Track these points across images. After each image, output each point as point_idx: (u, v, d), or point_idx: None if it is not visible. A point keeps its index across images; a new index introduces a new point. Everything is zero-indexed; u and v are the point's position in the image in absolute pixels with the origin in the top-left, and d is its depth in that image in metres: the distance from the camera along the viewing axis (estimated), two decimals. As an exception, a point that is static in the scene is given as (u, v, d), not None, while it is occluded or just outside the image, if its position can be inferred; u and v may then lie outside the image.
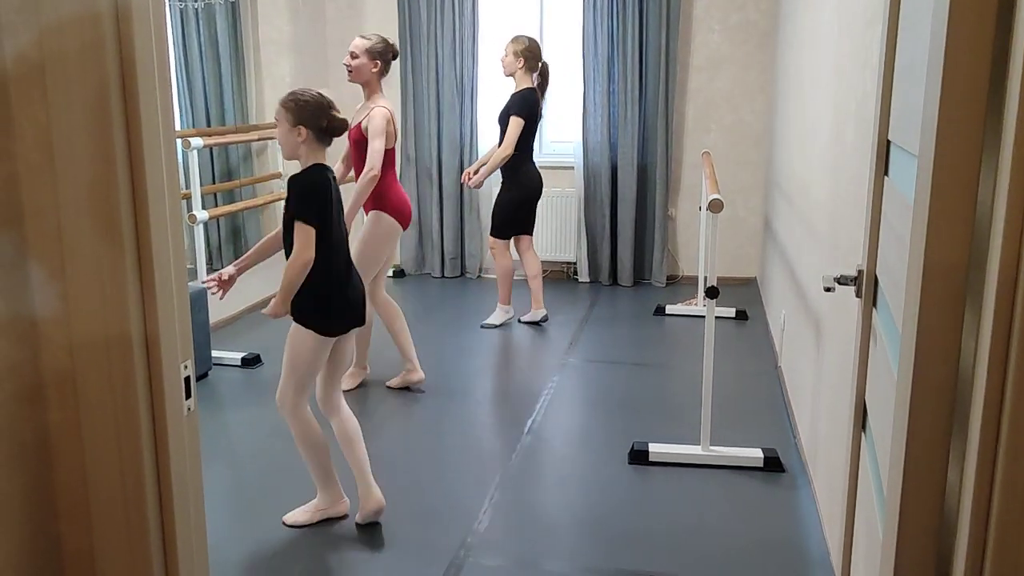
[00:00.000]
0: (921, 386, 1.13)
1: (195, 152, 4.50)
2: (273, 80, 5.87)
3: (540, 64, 5.14)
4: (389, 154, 3.99)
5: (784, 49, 5.40)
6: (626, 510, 3.12)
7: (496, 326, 5.38)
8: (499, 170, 5.18)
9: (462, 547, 2.88)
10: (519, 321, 5.50)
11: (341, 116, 2.83)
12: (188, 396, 1.37)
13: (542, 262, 6.75)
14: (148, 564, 1.33)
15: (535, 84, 5.13)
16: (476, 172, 5.15)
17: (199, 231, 4.60)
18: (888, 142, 1.73)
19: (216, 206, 5.20)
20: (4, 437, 1.26)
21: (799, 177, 4.21)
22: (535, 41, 5.10)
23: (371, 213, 4.05)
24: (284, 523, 3.01)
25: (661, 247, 6.43)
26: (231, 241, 5.63)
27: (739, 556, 2.81)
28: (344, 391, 4.08)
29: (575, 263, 6.70)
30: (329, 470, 3.02)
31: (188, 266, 4.75)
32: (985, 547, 1.06)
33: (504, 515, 3.08)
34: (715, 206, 3.37)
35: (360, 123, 3.97)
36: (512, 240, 5.30)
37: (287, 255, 2.80)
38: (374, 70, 3.96)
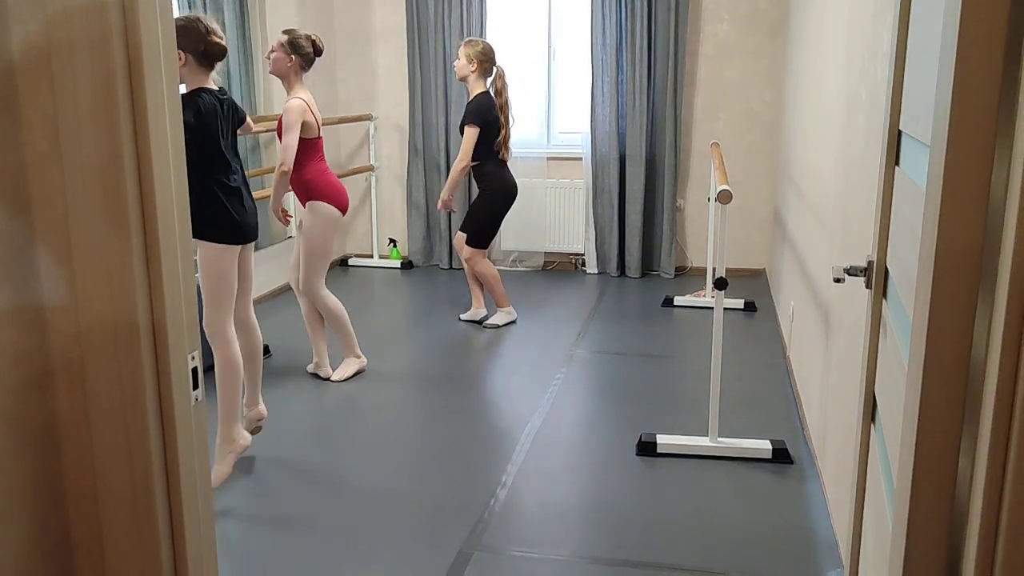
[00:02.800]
0: (932, 375, 1.13)
1: (203, 143, 4.49)
2: (281, 71, 5.86)
3: (494, 68, 5.02)
4: (313, 143, 4.01)
5: (794, 38, 5.37)
6: (634, 501, 3.11)
7: (499, 326, 5.25)
8: (475, 181, 5.13)
9: (471, 536, 2.88)
10: (459, 319, 5.35)
11: (217, 40, 2.95)
12: (196, 387, 1.37)
13: (550, 253, 6.75)
14: (156, 551, 1.34)
15: (488, 88, 5.02)
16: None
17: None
18: (899, 131, 1.71)
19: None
20: (13, 425, 1.26)
21: (809, 168, 4.19)
22: (489, 45, 5.00)
23: (306, 205, 4.07)
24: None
25: (670, 238, 6.41)
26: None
27: (747, 547, 2.81)
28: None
29: (583, 254, 6.69)
30: (238, 403, 3.25)
31: (196, 258, 4.74)
32: (996, 537, 1.06)
33: (512, 505, 3.09)
34: (724, 197, 3.35)
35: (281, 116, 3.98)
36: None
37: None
38: (289, 64, 3.93)
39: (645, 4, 6.07)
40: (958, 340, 1.10)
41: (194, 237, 3.06)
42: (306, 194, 4.06)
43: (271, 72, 4.00)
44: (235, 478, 3.29)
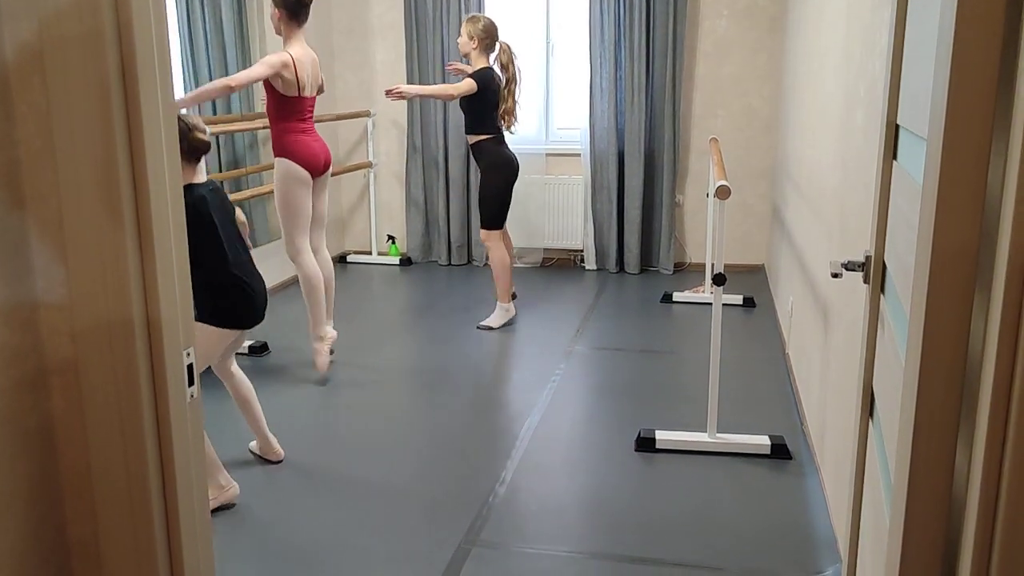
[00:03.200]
0: (929, 371, 1.12)
1: (201, 140, 4.48)
2: (279, 68, 5.85)
3: (497, 44, 4.97)
4: (291, 102, 4.09)
5: (793, 34, 5.36)
6: (633, 497, 3.11)
7: (493, 328, 5.11)
8: (475, 160, 5.07)
9: (469, 532, 2.88)
10: (478, 328, 5.15)
11: (201, 137, 2.98)
12: (191, 383, 1.37)
13: (549, 249, 6.75)
14: (152, 550, 1.34)
15: (491, 64, 4.96)
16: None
17: (205, 219, 4.59)
18: (896, 126, 1.71)
19: (222, 194, 5.19)
20: (7, 424, 1.26)
21: (808, 163, 4.18)
22: (491, 21, 4.93)
23: (277, 160, 4.16)
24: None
25: (668, 234, 6.41)
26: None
27: (745, 543, 2.81)
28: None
29: (582, 250, 6.68)
30: (213, 459, 3.09)
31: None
32: (994, 533, 1.06)
33: (511, 501, 3.08)
34: (723, 192, 3.35)
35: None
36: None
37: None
38: (278, 19, 4.07)
39: (643, 0, 6.06)
40: (955, 335, 1.10)
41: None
42: (276, 150, 4.15)
43: (277, 33, 4.13)
44: (232, 474, 3.29)
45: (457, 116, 6.46)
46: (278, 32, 4.10)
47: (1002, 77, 1.03)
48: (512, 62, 5.01)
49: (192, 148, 2.97)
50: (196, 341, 3.03)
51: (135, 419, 1.29)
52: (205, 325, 3.06)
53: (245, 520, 2.98)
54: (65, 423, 1.31)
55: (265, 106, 4.26)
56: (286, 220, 4.18)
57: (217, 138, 5.25)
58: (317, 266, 4.30)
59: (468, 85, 4.81)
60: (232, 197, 4.94)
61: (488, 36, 4.91)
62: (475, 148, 5.00)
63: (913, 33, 1.55)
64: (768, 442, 3.44)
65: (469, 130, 4.97)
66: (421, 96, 4.97)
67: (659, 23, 6.11)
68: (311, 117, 4.23)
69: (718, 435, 3.48)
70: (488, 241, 5.06)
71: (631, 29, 6.13)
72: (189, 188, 2.98)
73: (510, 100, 5.01)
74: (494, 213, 5.02)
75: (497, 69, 4.99)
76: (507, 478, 3.27)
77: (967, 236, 1.07)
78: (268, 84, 4.06)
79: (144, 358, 1.28)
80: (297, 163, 4.12)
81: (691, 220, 6.58)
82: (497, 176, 4.97)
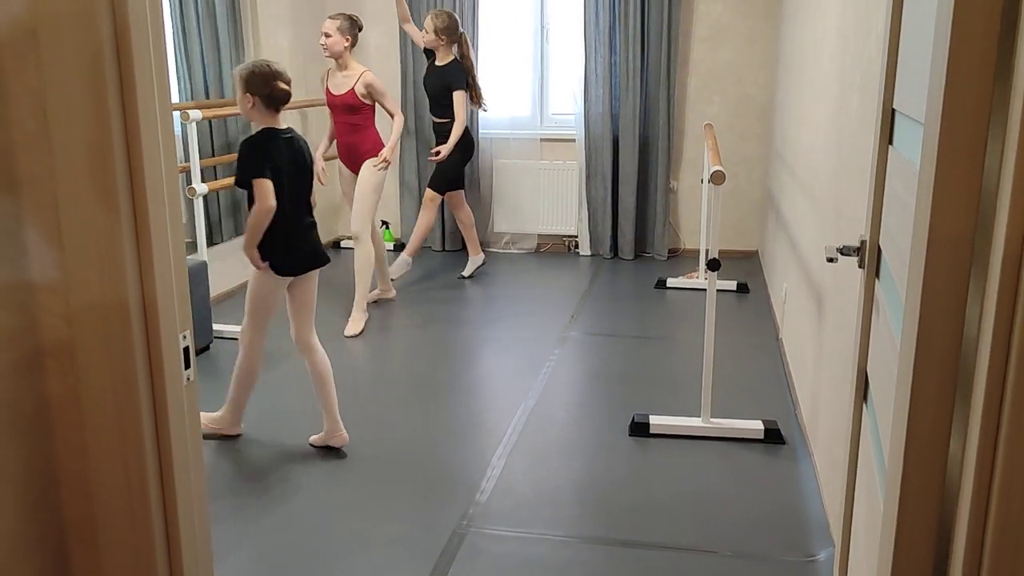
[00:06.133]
0: (924, 356, 1.13)
1: (194, 125, 4.47)
2: (272, 53, 5.82)
3: (459, 35, 5.45)
4: (373, 108, 4.83)
5: (788, 19, 5.35)
6: (627, 482, 3.13)
7: (466, 277, 5.91)
8: (436, 135, 5.61)
9: (464, 518, 2.89)
10: (460, 277, 5.93)
11: (284, 87, 3.10)
12: (188, 366, 1.37)
13: (543, 235, 6.75)
14: (149, 532, 1.34)
15: (455, 56, 5.44)
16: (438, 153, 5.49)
17: (199, 204, 4.58)
18: (893, 111, 1.71)
19: (215, 179, 5.17)
20: (3, 407, 1.25)
21: (803, 148, 4.18)
22: (454, 16, 5.40)
23: (365, 160, 4.83)
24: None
25: (663, 220, 6.41)
26: (231, 214, 5.61)
27: (739, 527, 2.83)
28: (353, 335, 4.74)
29: (576, 236, 6.68)
30: (242, 404, 3.42)
31: (188, 240, 4.75)
32: (987, 517, 1.06)
33: (506, 486, 3.09)
34: (717, 178, 3.35)
35: (351, 89, 4.73)
36: (446, 196, 5.68)
37: (249, 208, 3.12)
38: (346, 44, 4.70)
39: (639, -16, 6.03)
40: (950, 321, 1.11)
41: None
42: (372, 149, 4.82)
43: (328, 56, 4.73)
44: (225, 459, 3.29)
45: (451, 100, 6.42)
46: (334, 55, 4.71)
47: (1000, 62, 1.03)
48: (470, 50, 5.55)
49: (272, 97, 3.09)
50: (253, 292, 3.22)
51: (131, 401, 1.28)
52: (259, 273, 3.19)
53: (239, 504, 2.99)
54: (61, 405, 1.31)
55: (338, 127, 4.92)
56: (371, 201, 4.78)
57: (209, 123, 5.22)
58: (373, 246, 4.89)
59: (461, 98, 5.41)
60: (225, 182, 4.92)
61: (453, 31, 5.40)
62: (443, 127, 5.51)
63: (910, 17, 1.55)
64: (761, 427, 3.45)
65: (439, 114, 5.52)
66: (455, 144, 5.46)
67: (654, 8, 6.09)
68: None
69: (712, 420, 3.49)
70: (431, 201, 5.53)
71: (626, 14, 6.10)
72: (266, 132, 3.11)
73: (476, 84, 5.54)
74: (448, 180, 5.57)
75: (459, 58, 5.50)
76: (501, 463, 3.28)
77: (963, 222, 1.07)
78: (362, 101, 4.76)
79: (140, 340, 1.27)
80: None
81: (685, 206, 6.58)
82: (460, 151, 5.52)
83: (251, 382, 3.39)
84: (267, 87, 3.07)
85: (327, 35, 4.66)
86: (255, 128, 3.17)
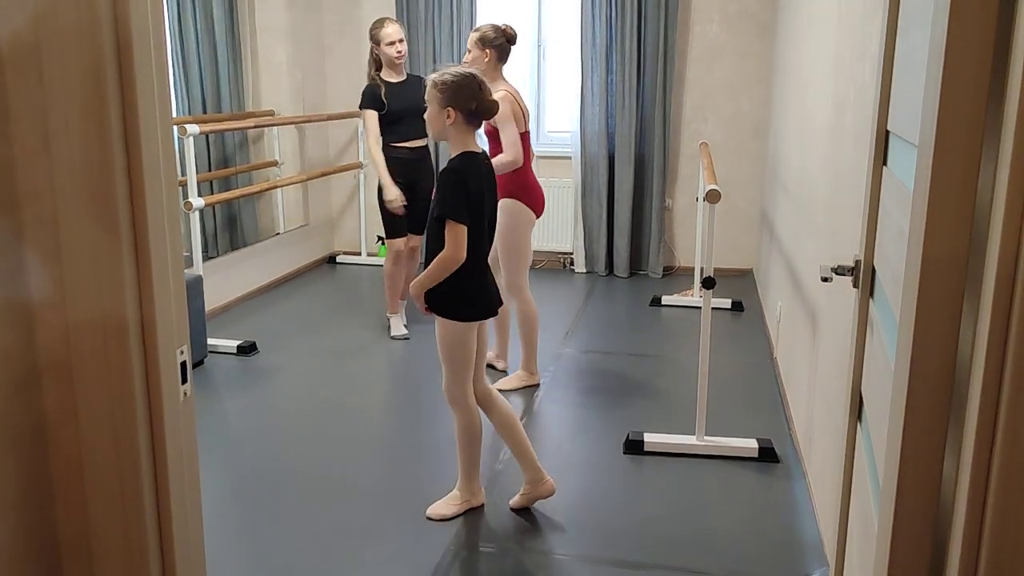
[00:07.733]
0: (918, 376, 1.13)
1: (191, 139, 4.48)
2: (269, 67, 5.85)
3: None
4: (523, 138, 3.96)
5: (783, 39, 5.39)
6: (621, 499, 3.12)
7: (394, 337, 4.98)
8: (424, 163, 5.01)
9: (458, 534, 2.88)
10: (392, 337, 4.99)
11: (491, 98, 2.73)
12: (184, 381, 1.37)
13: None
14: (144, 548, 1.33)
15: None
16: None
17: (195, 218, 4.59)
18: (887, 132, 1.72)
19: (212, 193, 5.18)
20: (1, 423, 1.25)
21: (797, 168, 4.20)
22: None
23: (507, 201, 3.93)
24: (428, 517, 2.96)
25: (658, 238, 6.42)
26: (227, 229, 5.62)
27: (733, 546, 2.82)
28: (506, 389, 4.10)
29: (571, 253, 6.69)
30: (477, 463, 2.99)
31: (184, 253, 4.72)
32: (981, 536, 1.07)
33: (499, 503, 3.08)
34: (713, 197, 3.36)
35: None
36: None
37: (428, 245, 2.79)
38: (487, 60, 3.95)
39: (635, 4, 6.08)
40: (944, 341, 1.11)
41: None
42: (503, 190, 3.73)
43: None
44: (221, 475, 3.28)
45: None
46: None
47: (993, 85, 1.04)
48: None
49: (477, 112, 2.71)
50: (447, 343, 2.78)
51: (128, 416, 1.28)
52: (449, 322, 2.77)
53: (233, 522, 2.97)
54: (58, 421, 1.31)
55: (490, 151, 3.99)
56: (514, 259, 4.09)
57: (207, 137, 5.24)
58: (535, 305, 4.22)
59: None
60: (222, 196, 4.92)
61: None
62: (425, 151, 4.93)
63: (904, 41, 1.56)
64: (756, 445, 3.45)
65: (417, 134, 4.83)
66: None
67: (650, 27, 6.13)
68: (531, 155, 4.09)
69: (706, 438, 3.49)
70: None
71: (622, 33, 6.14)
72: (466, 157, 2.72)
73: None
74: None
75: None
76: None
77: (957, 243, 1.08)
78: (492, 133, 3.97)
79: (137, 356, 1.28)
80: (526, 204, 4.02)
81: (680, 224, 6.59)
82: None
83: (477, 442, 2.97)
84: (474, 100, 2.68)
85: (468, 50, 4.06)
86: (451, 151, 2.78)
